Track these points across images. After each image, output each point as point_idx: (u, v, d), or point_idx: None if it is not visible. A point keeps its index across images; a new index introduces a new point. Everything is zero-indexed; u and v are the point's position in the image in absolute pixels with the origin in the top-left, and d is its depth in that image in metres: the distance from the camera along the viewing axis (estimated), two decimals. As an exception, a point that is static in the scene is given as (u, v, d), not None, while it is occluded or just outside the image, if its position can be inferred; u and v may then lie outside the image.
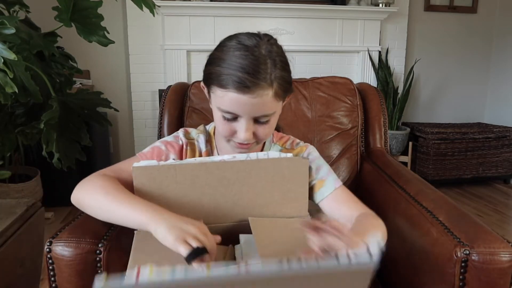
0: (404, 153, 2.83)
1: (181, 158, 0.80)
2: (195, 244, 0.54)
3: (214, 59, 0.70)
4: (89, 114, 1.29)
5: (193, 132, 0.85)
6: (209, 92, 0.73)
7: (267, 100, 0.67)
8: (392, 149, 2.74)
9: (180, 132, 0.84)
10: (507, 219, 2.33)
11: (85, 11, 1.24)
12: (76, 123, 1.25)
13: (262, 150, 0.84)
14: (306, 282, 0.44)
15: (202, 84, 0.75)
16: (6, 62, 0.86)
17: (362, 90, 1.31)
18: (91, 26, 1.26)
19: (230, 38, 0.71)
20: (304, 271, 0.41)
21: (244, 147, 0.73)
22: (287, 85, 0.71)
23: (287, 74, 0.71)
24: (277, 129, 0.91)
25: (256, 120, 0.70)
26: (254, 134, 0.71)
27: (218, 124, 0.73)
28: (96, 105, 1.33)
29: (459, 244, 0.64)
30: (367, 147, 1.27)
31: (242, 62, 0.65)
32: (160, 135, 1.17)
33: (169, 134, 1.04)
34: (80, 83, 2.42)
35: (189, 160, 0.67)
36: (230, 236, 0.69)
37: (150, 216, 0.59)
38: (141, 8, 1.26)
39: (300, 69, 2.70)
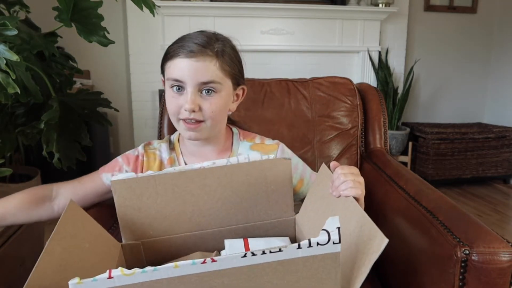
0: (404, 153, 2.83)
1: (136, 168, 0.83)
2: None
3: (172, 44, 0.75)
4: (89, 114, 1.29)
5: (155, 143, 0.89)
6: (164, 77, 0.77)
7: (211, 68, 0.71)
8: (392, 149, 2.74)
9: (141, 145, 0.88)
10: (507, 219, 2.33)
11: (85, 11, 1.24)
12: (76, 123, 1.25)
13: (231, 148, 0.85)
14: (273, 275, 0.44)
15: (161, 77, 0.79)
16: (7, 63, 0.86)
17: (362, 90, 1.31)
18: (91, 26, 1.25)
19: None
20: (270, 258, 0.43)
21: (191, 126, 0.74)
22: (233, 66, 0.75)
23: (236, 61, 0.76)
24: (243, 128, 0.92)
25: (201, 91, 0.72)
26: (200, 109, 0.72)
27: (168, 103, 0.75)
28: (96, 105, 1.32)
29: (459, 244, 0.64)
30: (367, 147, 1.27)
31: (194, 37, 0.73)
32: (160, 135, 1.17)
33: (169, 134, 1.05)
34: (80, 83, 2.42)
35: (168, 169, 0.66)
36: (216, 242, 0.69)
37: None
38: (141, 8, 1.26)
39: (300, 69, 2.70)
